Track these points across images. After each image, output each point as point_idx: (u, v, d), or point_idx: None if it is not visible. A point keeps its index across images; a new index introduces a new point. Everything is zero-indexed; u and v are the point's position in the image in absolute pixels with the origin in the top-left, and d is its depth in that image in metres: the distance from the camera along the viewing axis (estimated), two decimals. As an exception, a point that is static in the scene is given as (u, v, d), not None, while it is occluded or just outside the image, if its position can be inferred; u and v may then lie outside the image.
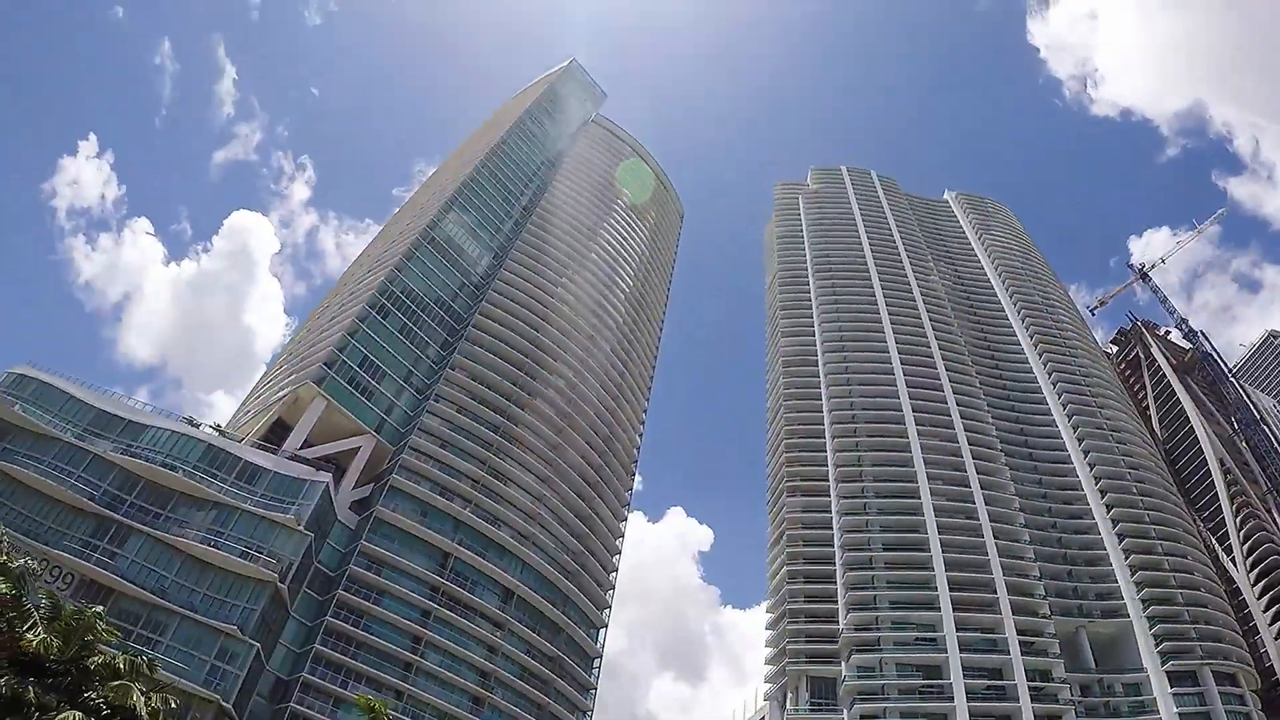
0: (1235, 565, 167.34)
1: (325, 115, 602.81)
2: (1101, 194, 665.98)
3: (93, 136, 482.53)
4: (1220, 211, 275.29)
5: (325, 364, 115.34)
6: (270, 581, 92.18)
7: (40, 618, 40.71)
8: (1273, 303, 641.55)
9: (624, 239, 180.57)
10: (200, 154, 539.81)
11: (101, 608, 46.57)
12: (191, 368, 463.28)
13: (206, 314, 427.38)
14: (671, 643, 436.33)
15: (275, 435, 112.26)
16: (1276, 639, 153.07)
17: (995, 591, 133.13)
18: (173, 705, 44.01)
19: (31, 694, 37.61)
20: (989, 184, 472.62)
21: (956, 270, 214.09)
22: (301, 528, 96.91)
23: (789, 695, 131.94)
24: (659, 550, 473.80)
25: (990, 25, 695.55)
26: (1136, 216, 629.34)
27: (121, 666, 41.53)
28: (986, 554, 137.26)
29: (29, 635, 39.40)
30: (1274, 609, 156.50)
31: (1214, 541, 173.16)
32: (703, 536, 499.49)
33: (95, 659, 41.33)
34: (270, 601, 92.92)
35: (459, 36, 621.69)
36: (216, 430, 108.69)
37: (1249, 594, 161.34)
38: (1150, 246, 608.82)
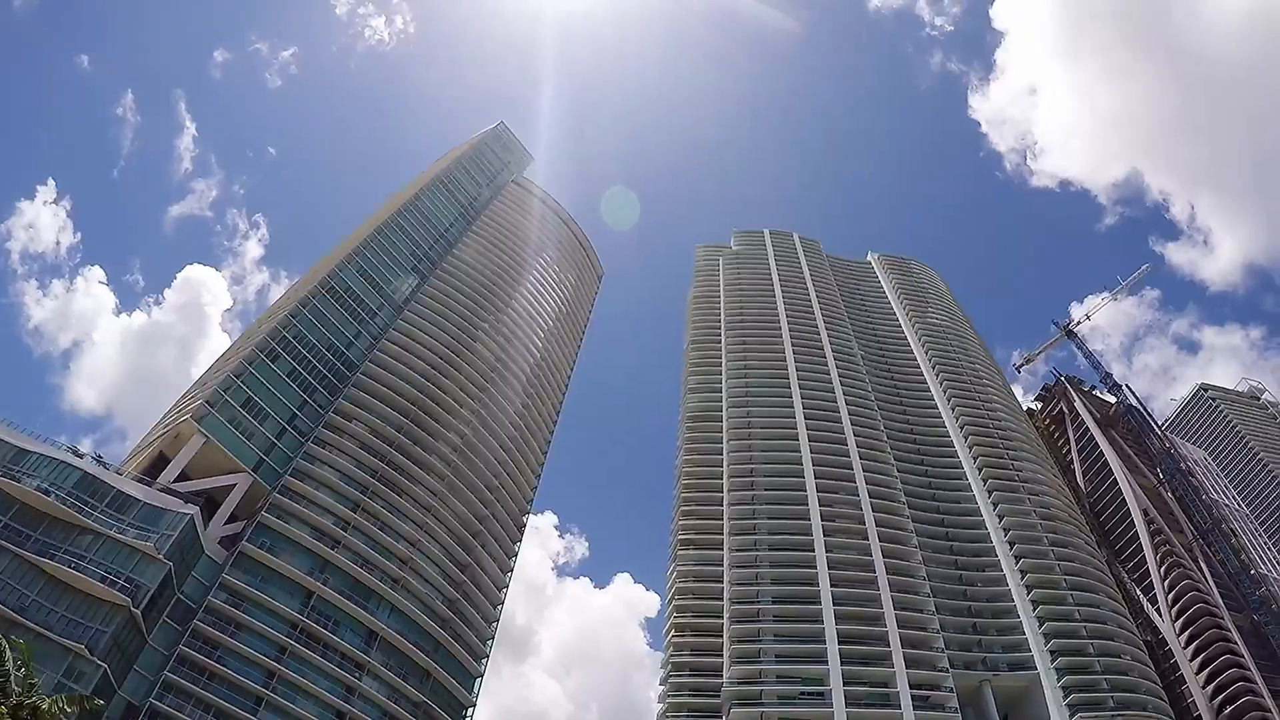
0: (1160, 615, 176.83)
1: (281, 175, 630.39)
2: (1043, 262, 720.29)
3: (51, 182, 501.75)
4: (1144, 267, 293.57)
5: (208, 402, 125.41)
6: (124, 606, 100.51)
7: None
8: (1211, 362, 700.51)
9: (535, 298, 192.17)
10: (156, 207, 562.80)
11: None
12: (138, 419, 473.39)
13: (155, 366, 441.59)
14: (618, 710, 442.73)
15: (158, 469, 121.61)
16: (1203, 688, 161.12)
17: (889, 645, 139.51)
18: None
19: None
20: (931, 255, 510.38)
21: (875, 329, 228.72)
22: (161, 556, 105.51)
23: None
24: (606, 616, 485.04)
25: (932, 101, 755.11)
26: (1078, 283, 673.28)
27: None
28: (881, 607, 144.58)
29: None
30: (1199, 658, 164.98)
31: (1139, 593, 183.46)
32: (650, 603, 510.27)
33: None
34: (124, 626, 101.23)
35: (417, 101, 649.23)
36: (97, 460, 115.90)
37: (1175, 643, 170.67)
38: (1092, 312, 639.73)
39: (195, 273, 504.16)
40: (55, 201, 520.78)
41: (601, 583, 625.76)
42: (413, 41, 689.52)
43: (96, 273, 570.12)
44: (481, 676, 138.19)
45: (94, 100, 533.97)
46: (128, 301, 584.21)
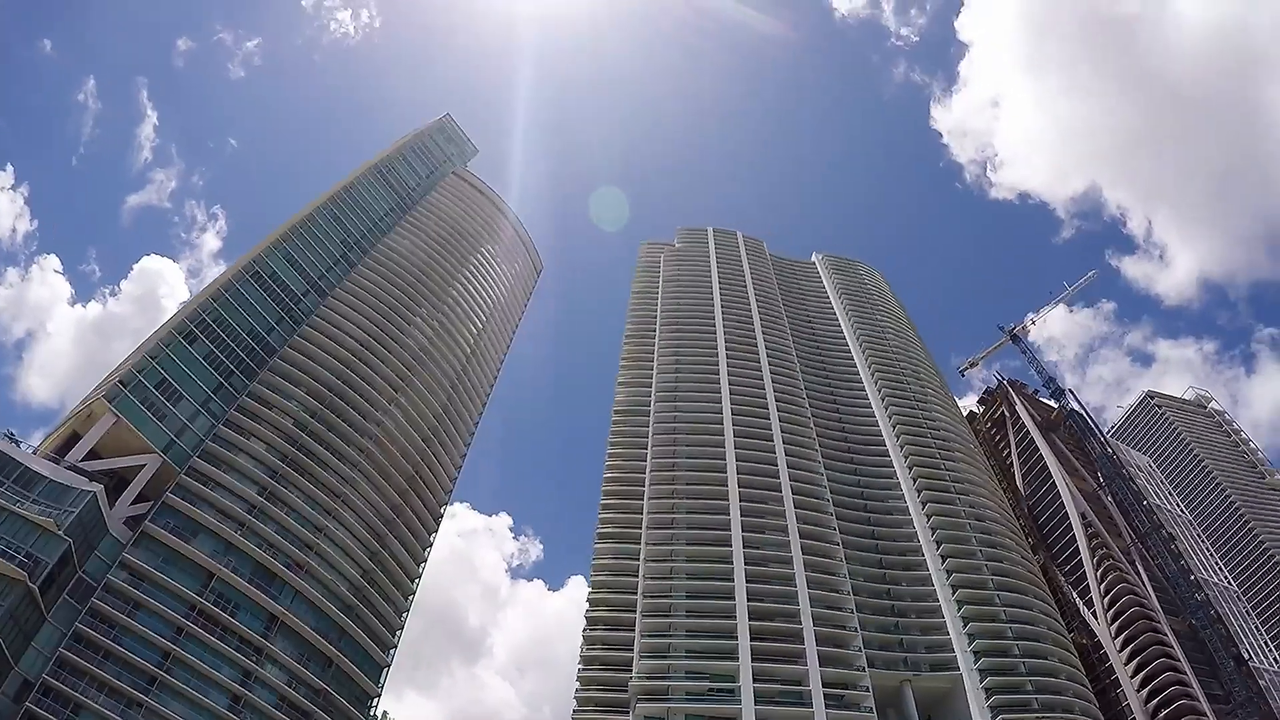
0: (1097, 619, 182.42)
1: (241, 168, 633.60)
2: (1000, 272, 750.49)
3: (10, 167, 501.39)
4: (1091, 274, 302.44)
5: (121, 381, 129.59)
6: (20, 580, 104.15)
7: None
8: (1164, 375, 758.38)
9: (467, 289, 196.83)
10: (114, 196, 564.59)
11: None
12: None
13: (110, 359, 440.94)
14: (571, 713, 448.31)
15: (72, 448, 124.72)
16: (1138, 691, 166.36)
17: (803, 642, 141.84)
18: None
19: None
20: (888, 262, 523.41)
21: (813, 329, 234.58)
22: (61, 532, 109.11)
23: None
24: (560, 619, 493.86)
25: (895, 112, 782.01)
26: (1034, 294, 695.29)
27: None
28: (798, 604, 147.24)
29: None
30: (1135, 661, 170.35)
31: (1075, 596, 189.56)
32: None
33: None
34: (21, 601, 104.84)
35: (381, 96, 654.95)
36: (8, 437, 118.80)
37: (1110, 647, 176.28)
38: (1048, 323, 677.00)
39: (152, 264, 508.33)
40: (13, 188, 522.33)
41: (556, 585, 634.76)
42: (378, 36, 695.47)
43: (52, 261, 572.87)
44: (389, 666, 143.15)
45: (55, 86, 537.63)
46: (83, 291, 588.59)
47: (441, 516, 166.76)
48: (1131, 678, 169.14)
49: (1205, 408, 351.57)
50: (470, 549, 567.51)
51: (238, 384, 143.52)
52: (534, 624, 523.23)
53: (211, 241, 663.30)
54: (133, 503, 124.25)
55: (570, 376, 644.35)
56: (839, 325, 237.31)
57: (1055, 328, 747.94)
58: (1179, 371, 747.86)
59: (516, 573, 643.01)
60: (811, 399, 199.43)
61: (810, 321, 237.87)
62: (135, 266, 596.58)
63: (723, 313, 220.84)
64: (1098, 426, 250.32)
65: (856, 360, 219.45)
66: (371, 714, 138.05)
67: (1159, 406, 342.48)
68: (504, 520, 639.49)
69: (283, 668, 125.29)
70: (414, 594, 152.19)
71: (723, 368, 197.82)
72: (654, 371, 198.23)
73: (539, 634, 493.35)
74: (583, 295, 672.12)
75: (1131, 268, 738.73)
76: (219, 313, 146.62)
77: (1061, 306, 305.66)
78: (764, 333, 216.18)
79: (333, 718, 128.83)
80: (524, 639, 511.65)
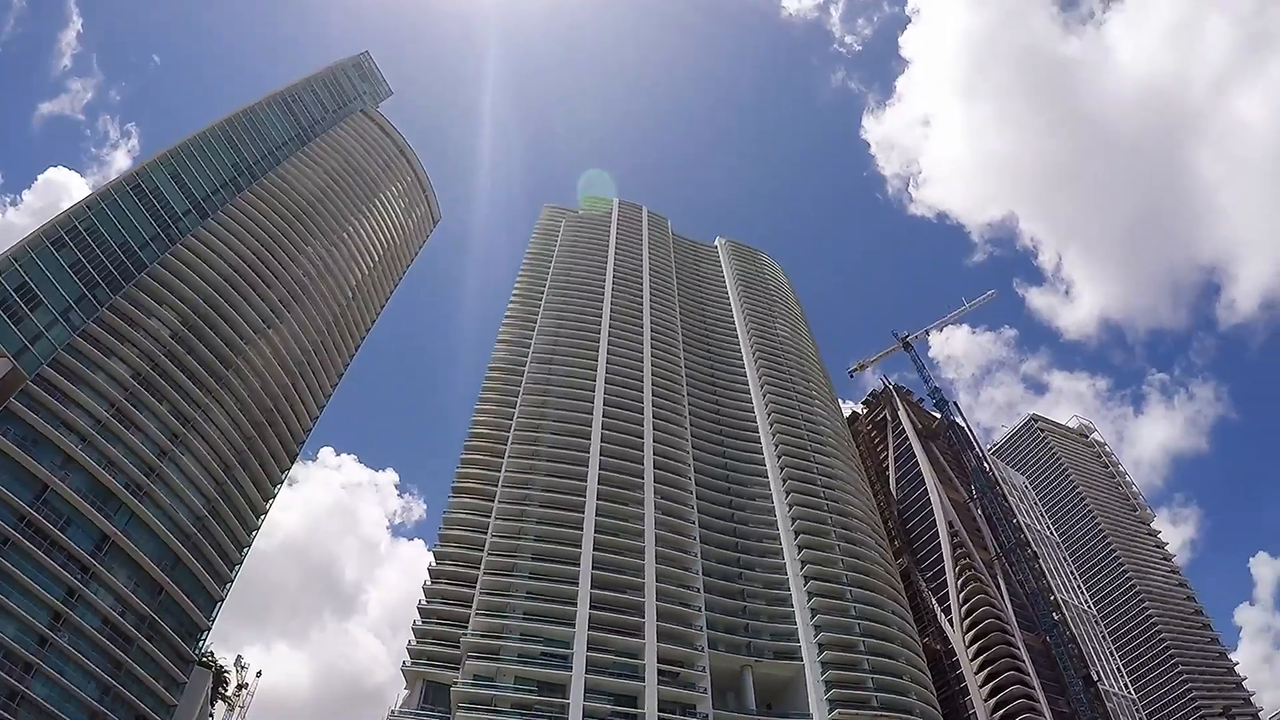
0: (953, 626, 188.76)
1: (162, 87, 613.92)
2: (909, 285, 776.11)
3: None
4: (990, 293, 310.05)
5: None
6: None
7: None
8: (1056, 405, 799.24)
9: (357, 229, 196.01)
10: (27, 102, 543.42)
11: None
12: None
13: None
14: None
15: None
16: (985, 700, 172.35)
17: (644, 616, 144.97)
18: None
19: None
20: (797, 260, 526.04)
21: (704, 310, 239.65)
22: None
23: (403, 697, 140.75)
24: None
25: (827, 116, 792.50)
26: (939, 310, 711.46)
27: None
28: (643, 578, 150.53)
29: None
30: (985, 671, 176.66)
31: (934, 602, 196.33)
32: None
33: None
34: None
35: (319, 26, 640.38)
36: None
37: (962, 655, 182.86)
38: (949, 341, 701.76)
39: (58, 176, 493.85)
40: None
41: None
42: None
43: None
44: (223, 600, 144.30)
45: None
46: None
47: (296, 455, 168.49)
48: (980, 687, 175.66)
49: (1087, 438, 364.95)
50: (354, 502, 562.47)
51: (101, 296, 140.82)
52: (411, 584, 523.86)
53: (122, 159, 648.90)
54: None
55: (476, 339, 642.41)
56: (730, 310, 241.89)
57: (957, 347, 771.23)
58: (1070, 403, 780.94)
59: (398, 530, 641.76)
60: (690, 378, 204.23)
61: (703, 303, 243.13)
62: (40, 177, 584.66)
63: (613, 283, 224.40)
64: (976, 440, 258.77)
65: (742, 346, 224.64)
66: (200, 648, 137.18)
67: (1041, 430, 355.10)
68: (390, 476, 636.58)
69: (110, 590, 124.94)
70: (258, 529, 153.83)
71: (603, 336, 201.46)
72: (535, 332, 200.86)
73: (415, 594, 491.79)
74: (501, 255, 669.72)
75: (1037, 299, 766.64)
76: (92, 221, 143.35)
77: (965, 327, 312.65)
78: (652, 307, 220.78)
79: (157, 646, 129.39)
80: (399, 597, 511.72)
